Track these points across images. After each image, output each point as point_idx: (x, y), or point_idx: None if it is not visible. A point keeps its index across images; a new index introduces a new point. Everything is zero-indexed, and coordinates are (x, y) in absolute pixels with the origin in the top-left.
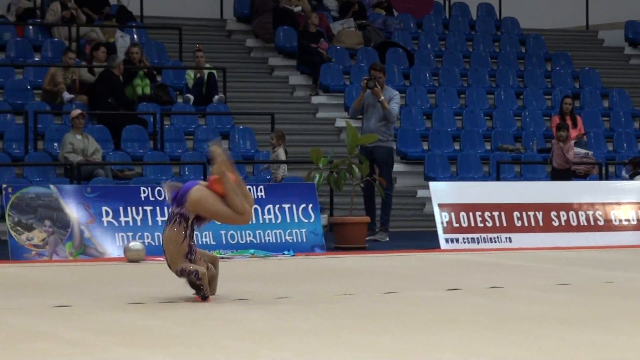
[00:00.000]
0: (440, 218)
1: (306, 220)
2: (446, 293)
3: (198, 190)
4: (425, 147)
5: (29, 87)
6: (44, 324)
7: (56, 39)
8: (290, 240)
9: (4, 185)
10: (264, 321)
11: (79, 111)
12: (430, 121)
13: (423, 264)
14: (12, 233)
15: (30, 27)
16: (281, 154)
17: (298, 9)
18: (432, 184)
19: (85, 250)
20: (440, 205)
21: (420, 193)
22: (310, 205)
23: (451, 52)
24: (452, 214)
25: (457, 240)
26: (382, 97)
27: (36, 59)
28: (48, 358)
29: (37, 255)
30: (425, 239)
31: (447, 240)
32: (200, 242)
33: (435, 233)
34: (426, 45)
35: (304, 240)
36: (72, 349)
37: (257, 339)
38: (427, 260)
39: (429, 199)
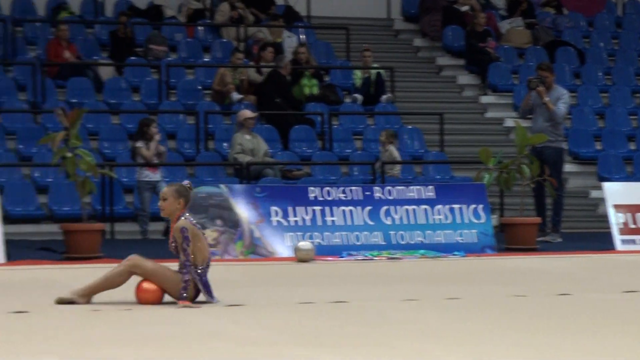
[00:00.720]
0: (616, 219)
1: (477, 221)
2: (622, 295)
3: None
4: (598, 147)
5: (199, 87)
6: (218, 323)
7: (225, 40)
8: (461, 241)
9: None
10: (434, 322)
11: (251, 113)
12: (602, 121)
13: (597, 265)
14: None
15: (200, 27)
16: (394, 152)
17: (466, 8)
18: (606, 184)
19: (255, 250)
20: (616, 206)
21: (594, 194)
22: (481, 206)
23: (625, 51)
24: (628, 215)
25: (634, 242)
26: (547, 98)
27: (206, 59)
28: (223, 357)
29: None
30: (599, 240)
31: (623, 242)
32: (369, 242)
33: (609, 234)
34: (598, 44)
35: (475, 240)
36: (246, 348)
37: (428, 340)
38: (601, 261)
39: (602, 199)
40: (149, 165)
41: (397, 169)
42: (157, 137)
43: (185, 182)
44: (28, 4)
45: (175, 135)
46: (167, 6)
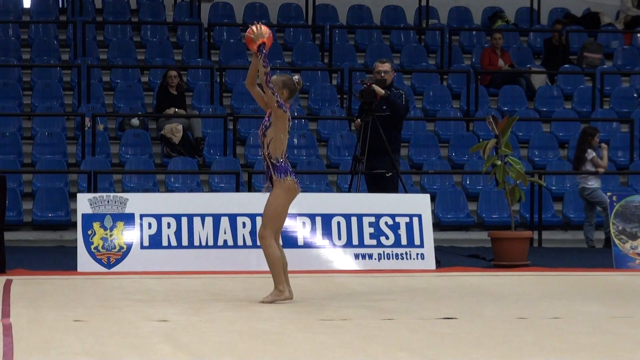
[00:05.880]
0: None
1: None
2: None
3: None
4: None
5: (635, 95)
6: None
7: None
8: None
9: (608, 194)
10: None
11: None
12: None
13: None
14: (616, 241)
15: (639, 34)
16: None
17: None
18: None
19: None
20: None
21: None
22: None
23: None
24: None
25: None
26: None
27: None
28: None
29: None
30: None
31: None
32: None
33: None
34: None
35: None
36: None
37: None
38: None
39: None
40: (592, 173)
41: None
42: (604, 145)
43: (295, 77)
44: (465, 13)
45: (608, 143)
46: (605, 13)
